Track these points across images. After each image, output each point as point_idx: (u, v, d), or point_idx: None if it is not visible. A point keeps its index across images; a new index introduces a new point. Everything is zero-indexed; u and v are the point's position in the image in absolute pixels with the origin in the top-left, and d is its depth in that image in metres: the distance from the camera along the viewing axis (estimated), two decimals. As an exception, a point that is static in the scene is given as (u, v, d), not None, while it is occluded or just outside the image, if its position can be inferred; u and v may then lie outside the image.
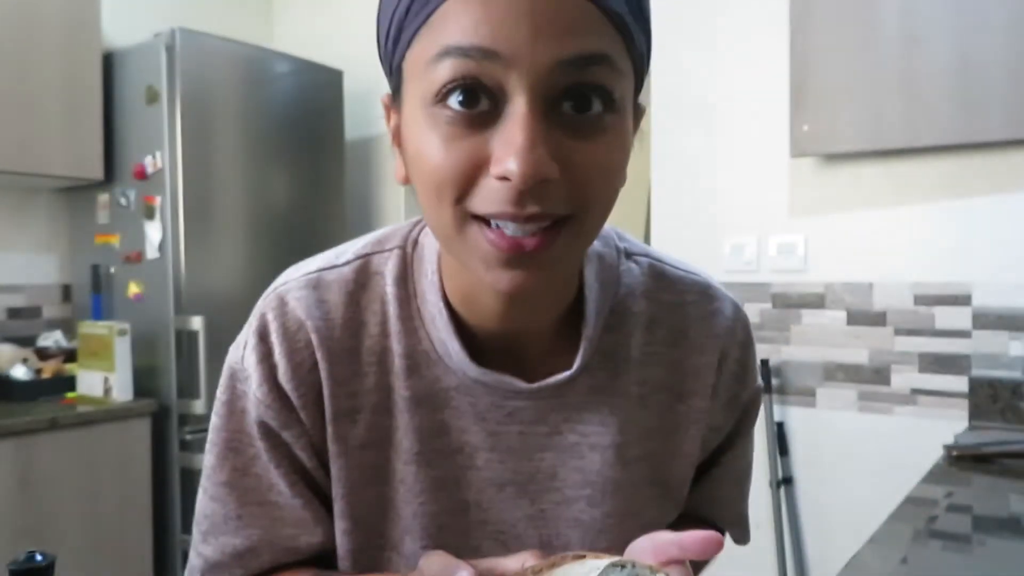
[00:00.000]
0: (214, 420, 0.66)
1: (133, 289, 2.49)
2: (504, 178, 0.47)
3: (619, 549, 0.53)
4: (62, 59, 2.41)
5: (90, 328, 2.37)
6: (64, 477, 2.16)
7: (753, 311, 2.18)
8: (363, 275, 0.65)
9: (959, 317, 1.91)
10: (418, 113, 0.51)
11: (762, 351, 2.18)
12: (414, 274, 0.64)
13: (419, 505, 0.63)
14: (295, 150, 2.72)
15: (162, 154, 2.39)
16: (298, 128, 2.73)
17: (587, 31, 0.48)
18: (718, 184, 2.24)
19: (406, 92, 0.53)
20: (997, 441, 1.59)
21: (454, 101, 0.48)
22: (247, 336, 0.64)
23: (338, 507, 0.64)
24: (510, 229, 0.49)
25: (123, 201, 2.52)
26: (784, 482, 2.11)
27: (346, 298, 0.64)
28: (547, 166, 0.47)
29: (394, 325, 0.63)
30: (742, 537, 0.79)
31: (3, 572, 0.70)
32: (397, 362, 0.63)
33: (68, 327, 2.67)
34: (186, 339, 2.39)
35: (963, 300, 1.90)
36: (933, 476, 1.44)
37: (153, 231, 2.42)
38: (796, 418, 2.13)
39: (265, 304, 0.64)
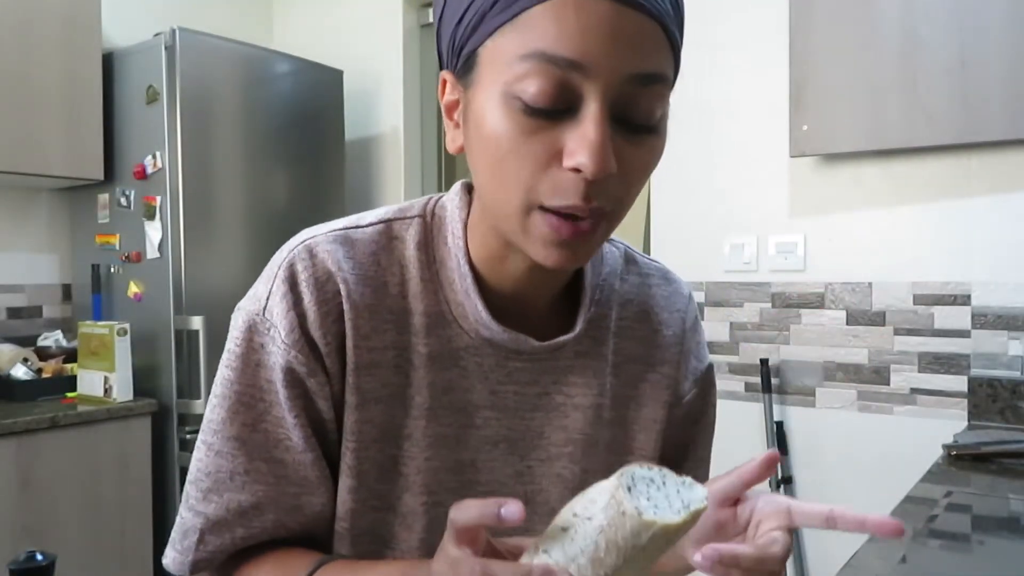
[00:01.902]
0: (225, 373, 0.66)
1: (133, 289, 2.50)
2: (576, 169, 0.54)
3: None
4: (62, 59, 2.40)
5: (90, 328, 2.37)
6: (64, 477, 2.16)
7: (753, 311, 2.19)
8: (385, 238, 0.69)
9: (958, 317, 1.91)
10: (495, 100, 0.56)
11: (761, 351, 2.18)
12: (434, 241, 0.69)
13: (424, 460, 0.66)
14: (295, 150, 2.72)
15: (162, 154, 2.39)
16: (298, 128, 2.73)
17: (653, 51, 0.55)
18: (718, 184, 2.24)
19: (480, 76, 0.58)
20: (996, 441, 1.59)
21: (536, 98, 0.54)
22: (271, 286, 0.66)
23: (346, 463, 0.66)
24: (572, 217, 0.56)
25: (123, 201, 2.52)
26: (784, 481, 2.11)
27: (370, 257, 0.68)
28: (612, 162, 0.54)
29: (415, 286, 0.68)
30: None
31: (3, 572, 0.71)
32: (417, 320, 0.67)
33: (68, 327, 2.67)
34: (186, 339, 2.39)
35: (962, 300, 1.91)
36: (932, 475, 1.44)
37: (153, 231, 2.42)
38: (796, 418, 2.14)
39: (292, 255, 0.66)
